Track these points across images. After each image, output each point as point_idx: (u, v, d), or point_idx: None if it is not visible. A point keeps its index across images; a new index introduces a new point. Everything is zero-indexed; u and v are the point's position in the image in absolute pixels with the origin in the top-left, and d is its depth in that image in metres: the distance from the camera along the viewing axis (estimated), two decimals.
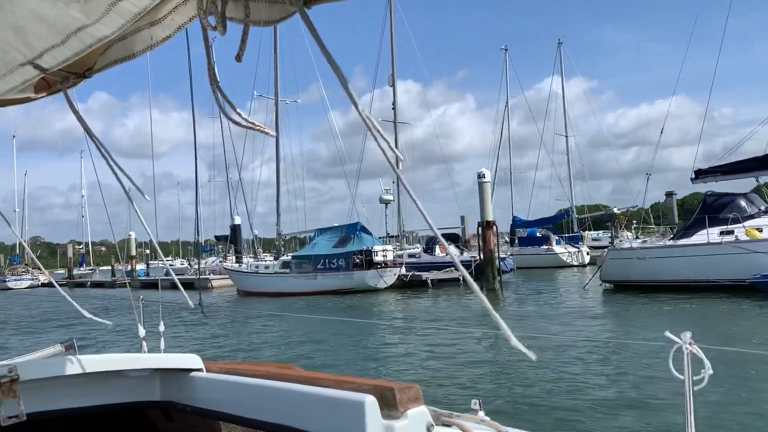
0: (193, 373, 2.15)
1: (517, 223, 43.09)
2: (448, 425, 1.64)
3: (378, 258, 28.00)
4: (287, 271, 30.89)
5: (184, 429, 2.34)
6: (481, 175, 24.95)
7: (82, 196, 75.56)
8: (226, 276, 42.67)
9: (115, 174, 1.66)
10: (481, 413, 1.75)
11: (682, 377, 1.70)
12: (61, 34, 1.19)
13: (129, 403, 2.19)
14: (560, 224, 44.75)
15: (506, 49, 51.07)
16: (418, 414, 1.53)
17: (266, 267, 32.53)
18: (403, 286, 28.34)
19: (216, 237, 52.61)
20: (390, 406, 1.52)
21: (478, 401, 1.80)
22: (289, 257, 32.47)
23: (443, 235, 37.06)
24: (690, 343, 1.70)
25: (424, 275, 28.69)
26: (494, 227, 24.76)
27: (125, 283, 53.87)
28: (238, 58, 1.19)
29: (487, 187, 24.99)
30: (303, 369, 2.16)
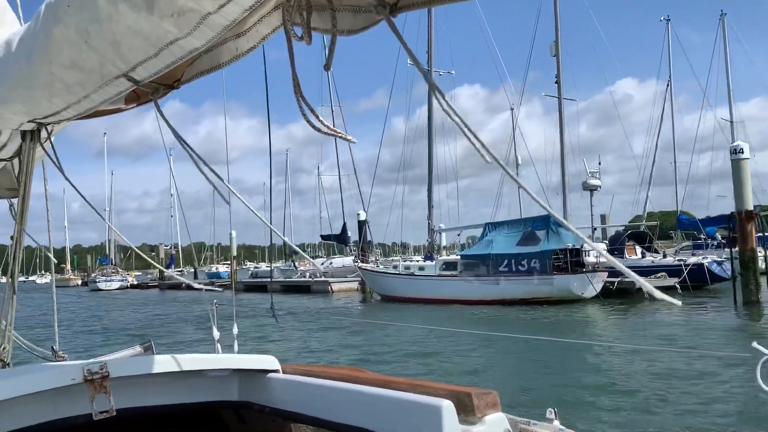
0: (270, 374, 2.16)
1: (684, 222, 36.37)
2: None
3: (590, 259, 22.10)
4: (453, 273, 25.49)
5: (255, 429, 2.38)
6: (737, 150, 18.92)
7: (171, 195, 73.66)
8: (349, 278, 38.78)
9: (207, 178, 1.68)
10: (557, 422, 1.67)
11: None
12: (155, 47, 1.26)
13: (208, 402, 2.21)
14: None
15: (668, 20, 44.17)
16: (496, 420, 1.50)
17: (421, 269, 27.18)
18: (604, 295, 22.44)
19: (323, 236, 48.09)
20: (467, 411, 1.49)
21: (553, 410, 1.73)
22: (456, 257, 27.03)
23: (631, 233, 30.95)
24: None
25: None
26: (758, 219, 18.59)
27: (226, 285, 50.46)
28: (327, 67, 1.26)
29: (745, 165, 18.89)
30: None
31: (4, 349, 2.67)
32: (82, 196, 2.37)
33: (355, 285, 38.23)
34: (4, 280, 2.90)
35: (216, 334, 3.01)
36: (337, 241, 44.98)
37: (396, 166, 43.45)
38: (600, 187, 27.06)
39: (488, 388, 1.72)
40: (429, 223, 28.59)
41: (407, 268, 28.16)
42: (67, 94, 1.54)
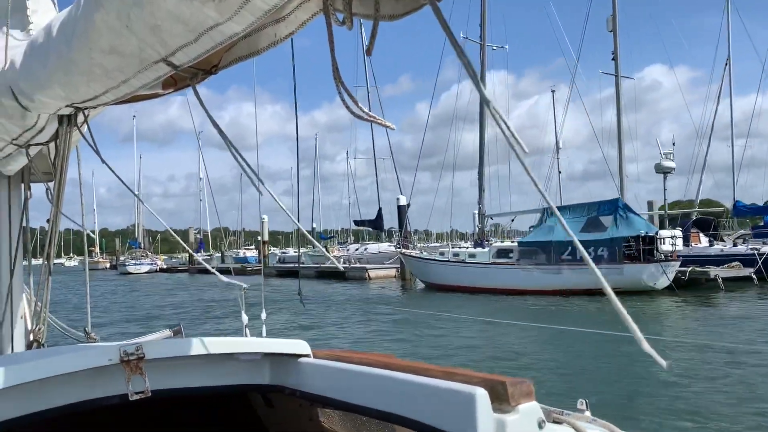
0: (301, 359, 2.15)
1: (741, 209, 34.34)
2: (559, 422, 1.55)
3: (665, 247, 20.43)
4: (508, 261, 24.04)
5: (283, 414, 2.42)
6: None
7: (200, 179, 73.15)
8: (386, 265, 37.68)
9: (241, 165, 1.70)
10: (588, 413, 1.68)
11: None
12: (195, 32, 1.26)
13: (239, 385, 2.22)
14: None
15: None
16: (530, 409, 1.45)
17: (471, 256, 25.74)
18: (675, 285, 20.78)
19: (356, 222, 46.86)
20: (501, 399, 1.45)
21: (584, 401, 1.72)
22: (513, 243, 25.53)
23: (695, 220, 29.18)
24: None
25: (711, 272, 20.99)
26: None
27: (257, 270, 49.68)
28: (368, 52, 1.23)
29: None
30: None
31: (39, 330, 2.76)
32: (121, 180, 2.43)
33: (393, 272, 37.05)
34: (37, 262, 3.05)
35: (245, 319, 3.06)
36: (372, 227, 43.69)
37: (419, 153, 43.09)
38: (674, 169, 25.16)
39: (556, 389, 2.83)
40: (479, 208, 27.01)
41: (456, 255, 26.69)
42: (106, 79, 1.56)
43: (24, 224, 3.19)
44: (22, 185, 3.22)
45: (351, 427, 2.15)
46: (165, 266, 66.05)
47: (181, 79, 1.71)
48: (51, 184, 2.61)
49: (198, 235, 69.96)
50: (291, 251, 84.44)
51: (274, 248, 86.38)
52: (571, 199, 25.79)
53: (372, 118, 1.26)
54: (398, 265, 37.03)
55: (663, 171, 25.02)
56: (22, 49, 1.92)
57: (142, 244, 70.98)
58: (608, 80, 30.10)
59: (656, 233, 20.46)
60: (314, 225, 78.15)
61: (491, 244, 26.52)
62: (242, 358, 2.17)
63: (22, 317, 3.29)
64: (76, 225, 3.28)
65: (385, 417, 1.73)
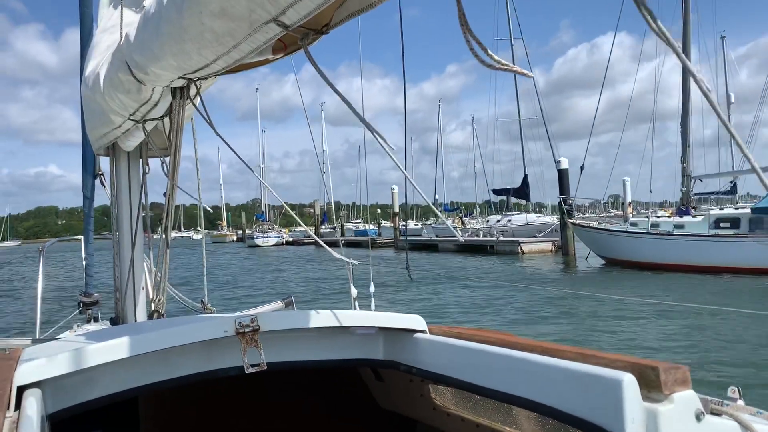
0: (417, 335, 2.07)
1: None
2: (718, 414, 1.37)
3: None
4: (735, 233, 19.39)
5: (393, 389, 2.40)
6: None
7: (323, 151, 72.12)
8: (539, 238, 33.71)
9: (373, 133, 1.60)
10: (741, 402, 1.50)
11: None
12: None
13: (353, 359, 2.17)
14: None
15: None
16: (686, 399, 1.31)
17: (678, 227, 21.17)
18: None
19: (495, 191, 42.91)
20: (651, 387, 1.31)
21: (737, 389, 1.53)
22: (738, 211, 20.77)
23: None
24: None
25: None
26: None
27: (389, 243, 47.50)
28: None
29: None
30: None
31: (159, 300, 2.87)
32: (233, 150, 2.45)
33: (549, 246, 32.94)
34: (157, 236, 3.40)
35: (354, 292, 3.14)
36: (516, 196, 39.56)
37: (532, 122, 39.10)
38: None
39: None
40: (683, 168, 22.21)
41: (655, 225, 22.19)
42: (217, 44, 1.55)
43: (143, 199, 3.29)
44: (141, 161, 3.34)
45: (464, 406, 2.09)
46: (291, 239, 65.74)
47: (291, 42, 1.66)
48: (167, 159, 2.57)
49: (323, 208, 69.05)
50: (411, 224, 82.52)
51: (384, 221, 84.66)
52: (696, 167, 21.18)
53: (506, 67, 1.18)
54: (555, 238, 32.90)
55: None
56: (135, 23, 1.96)
57: (268, 217, 71.16)
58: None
59: None
60: (437, 196, 75.58)
61: (704, 212, 21.76)
62: (357, 331, 2.10)
63: (143, 288, 3.39)
64: (192, 199, 3.22)
65: (508, 399, 1.61)
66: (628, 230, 22.85)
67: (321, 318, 1.98)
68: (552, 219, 38.98)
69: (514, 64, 1.21)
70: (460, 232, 49.83)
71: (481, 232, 40.34)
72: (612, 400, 1.28)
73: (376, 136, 1.56)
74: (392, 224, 48.90)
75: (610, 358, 1.40)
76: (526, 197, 38.92)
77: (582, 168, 25.01)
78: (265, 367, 1.83)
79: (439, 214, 2.46)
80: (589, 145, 25.80)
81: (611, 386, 1.29)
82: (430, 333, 2.05)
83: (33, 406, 1.40)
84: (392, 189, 47.53)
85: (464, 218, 54.15)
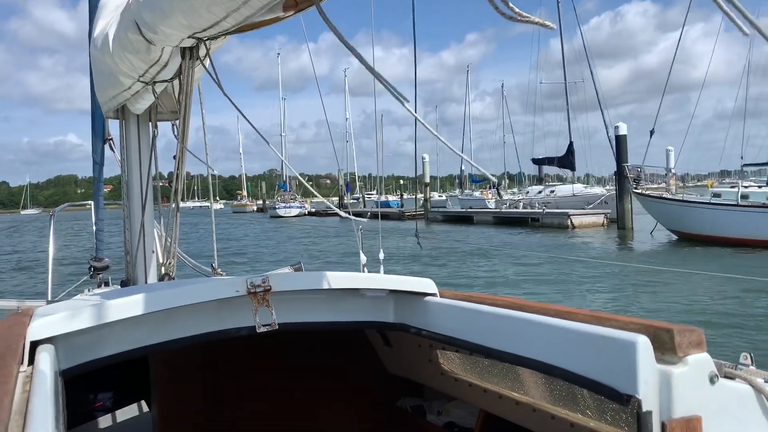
0: (427, 298, 2.06)
1: None
2: (731, 378, 1.37)
3: None
4: None
5: (401, 353, 2.40)
6: None
7: (346, 118, 69.66)
8: (593, 210, 31.01)
9: (385, 85, 1.50)
10: (753, 368, 1.46)
11: None
12: None
13: (363, 322, 2.16)
14: None
15: None
16: (701, 361, 1.30)
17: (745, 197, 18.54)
18: None
19: (536, 161, 40.09)
20: (665, 349, 1.29)
21: (748, 355, 1.48)
22: None
23: None
24: None
25: None
26: None
27: (416, 215, 45.12)
28: None
29: None
30: None
31: (170, 263, 2.86)
32: (242, 115, 2.41)
33: (601, 218, 30.31)
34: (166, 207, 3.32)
35: (363, 258, 3.32)
36: (560, 166, 36.81)
37: (552, 93, 36.92)
38: None
39: None
40: None
41: (745, 197, 19.54)
42: (227, 0, 1.51)
43: (152, 161, 3.24)
44: (150, 123, 3.30)
45: (472, 371, 2.06)
46: (313, 210, 63.86)
47: None
48: (177, 122, 2.56)
49: (346, 178, 66.84)
50: (435, 195, 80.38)
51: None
52: (703, 142, 19.54)
53: (527, 18, 1.11)
54: (607, 210, 30.27)
55: None
56: None
57: (289, 188, 69.07)
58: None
59: None
60: (462, 168, 72.97)
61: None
62: (367, 294, 2.10)
63: (153, 252, 3.38)
64: (202, 163, 3.20)
65: (519, 361, 1.60)
66: (712, 201, 20.18)
67: (332, 280, 1.97)
68: (600, 190, 36.25)
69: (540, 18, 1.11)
70: (492, 203, 47.39)
71: (521, 204, 37.66)
72: (625, 362, 1.27)
73: (388, 86, 1.47)
74: (422, 195, 46.33)
75: (624, 321, 1.39)
76: (572, 167, 36.18)
77: (652, 132, 22.24)
78: (276, 327, 1.81)
79: (478, 169, 2.00)
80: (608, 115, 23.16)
81: (625, 348, 1.28)
82: (441, 297, 2.03)
83: (46, 360, 1.42)
84: (423, 158, 44.87)
85: (500, 189, 51.50)
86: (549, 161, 37.59)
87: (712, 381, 1.29)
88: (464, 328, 1.82)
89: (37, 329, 1.56)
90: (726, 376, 1.35)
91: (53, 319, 1.59)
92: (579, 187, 37.25)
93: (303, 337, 2.45)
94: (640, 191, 22.70)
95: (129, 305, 1.68)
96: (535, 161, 40.09)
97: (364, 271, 2.91)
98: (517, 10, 1.07)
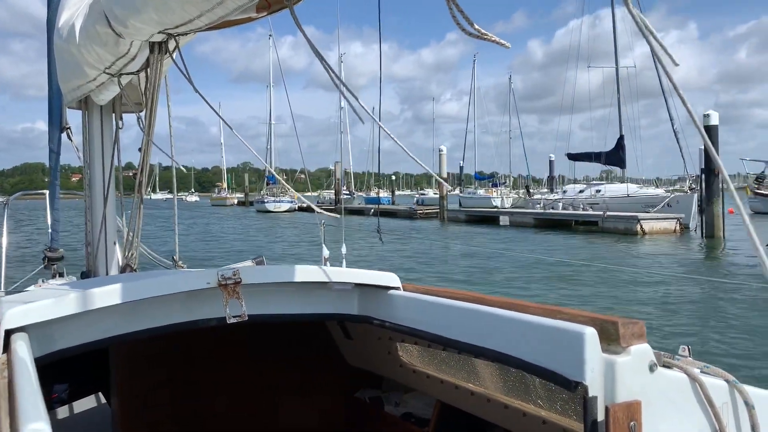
0: (391, 291, 2.11)
1: None
2: (669, 367, 1.46)
3: None
4: None
5: (361, 345, 2.47)
6: None
7: (341, 107, 64.73)
8: (653, 214, 26.06)
9: (347, 100, 1.67)
10: (690, 359, 1.56)
11: None
12: None
13: (329, 314, 2.22)
14: None
15: None
16: (642, 351, 1.38)
17: None
18: None
19: (571, 156, 35.32)
20: (611, 340, 1.38)
21: (686, 347, 1.58)
22: None
23: None
24: None
25: None
26: None
27: (433, 214, 40.10)
28: None
29: None
30: None
31: (132, 255, 2.87)
32: (213, 109, 2.37)
33: (673, 224, 25.57)
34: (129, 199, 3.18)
35: (325, 252, 3.43)
36: (607, 163, 32.09)
37: (528, 95, 33.25)
38: None
39: None
40: None
41: None
42: (201, 0, 1.51)
43: (116, 153, 3.23)
44: (114, 115, 3.37)
45: (430, 362, 2.15)
46: (304, 205, 58.69)
47: (276, 0, 1.62)
48: (143, 114, 2.56)
49: (341, 173, 61.72)
50: (430, 192, 75.67)
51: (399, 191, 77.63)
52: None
53: (485, 36, 1.20)
54: (681, 215, 25.57)
55: None
56: None
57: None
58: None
59: None
60: (462, 165, 68.53)
61: None
62: (334, 287, 2.15)
63: (115, 243, 3.40)
64: (166, 156, 2.95)
65: (477, 351, 1.66)
66: None
67: (300, 273, 2.02)
68: (658, 191, 31.62)
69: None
70: (498, 202, 42.65)
71: (560, 205, 32.78)
72: (574, 351, 1.34)
73: (352, 102, 1.58)
74: (438, 192, 41.32)
75: (574, 314, 1.45)
76: (622, 163, 31.47)
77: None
78: (246, 318, 1.86)
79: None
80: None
81: (574, 339, 1.34)
82: (404, 290, 2.08)
83: (23, 348, 1.43)
84: (440, 150, 39.77)
85: (530, 188, 46.93)
86: (592, 156, 32.85)
87: (651, 369, 1.36)
88: (424, 320, 1.88)
89: (12, 317, 1.57)
90: (664, 365, 1.43)
91: (28, 308, 1.61)
92: (633, 188, 32.48)
93: (265, 330, 2.52)
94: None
95: (105, 295, 1.70)
96: (571, 156, 35.31)
97: (326, 265, 2.97)
98: (477, 27, 1.17)
